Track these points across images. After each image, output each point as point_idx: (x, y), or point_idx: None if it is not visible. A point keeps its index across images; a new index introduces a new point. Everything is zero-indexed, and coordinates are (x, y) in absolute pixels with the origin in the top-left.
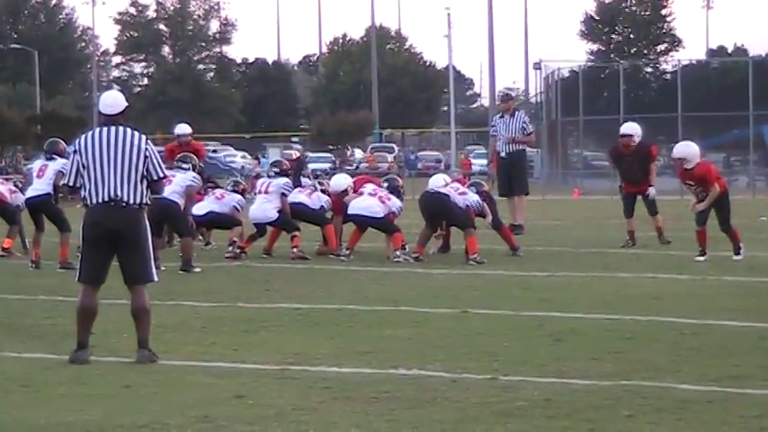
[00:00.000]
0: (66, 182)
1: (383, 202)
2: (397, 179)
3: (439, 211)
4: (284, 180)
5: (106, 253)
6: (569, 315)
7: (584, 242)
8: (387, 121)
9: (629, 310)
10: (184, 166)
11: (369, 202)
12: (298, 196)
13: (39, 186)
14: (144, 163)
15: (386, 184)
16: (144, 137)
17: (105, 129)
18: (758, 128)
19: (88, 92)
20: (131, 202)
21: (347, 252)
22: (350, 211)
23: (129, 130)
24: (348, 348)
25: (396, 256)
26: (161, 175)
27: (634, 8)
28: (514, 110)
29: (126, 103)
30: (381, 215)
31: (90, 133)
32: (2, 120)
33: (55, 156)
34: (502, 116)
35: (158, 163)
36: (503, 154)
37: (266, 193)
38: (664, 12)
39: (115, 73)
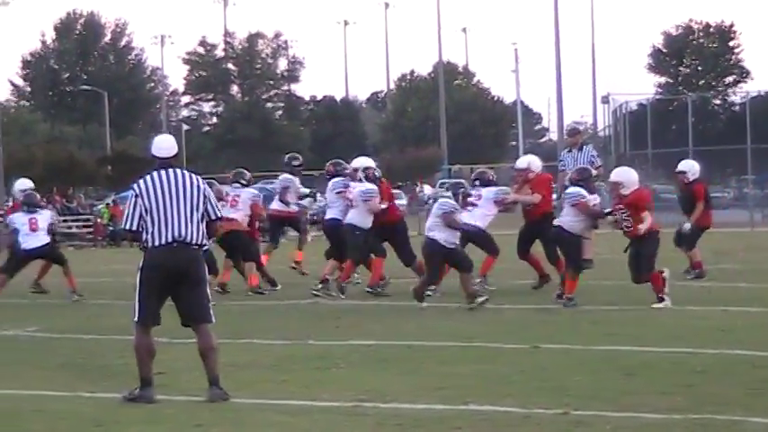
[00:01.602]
0: (126, 227)
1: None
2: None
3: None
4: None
5: (165, 294)
6: (639, 349)
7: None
8: (455, 156)
9: (699, 344)
10: (242, 181)
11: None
12: None
13: (41, 237)
14: (204, 203)
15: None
16: (200, 178)
17: (164, 171)
18: None
19: (158, 132)
20: (195, 242)
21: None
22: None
23: (186, 172)
24: (420, 384)
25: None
26: (219, 214)
27: (702, 40)
28: (582, 144)
29: (177, 147)
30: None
31: (149, 177)
32: (73, 161)
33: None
34: (570, 150)
35: (215, 203)
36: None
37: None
38: (731, 44)
39: (184, 112)
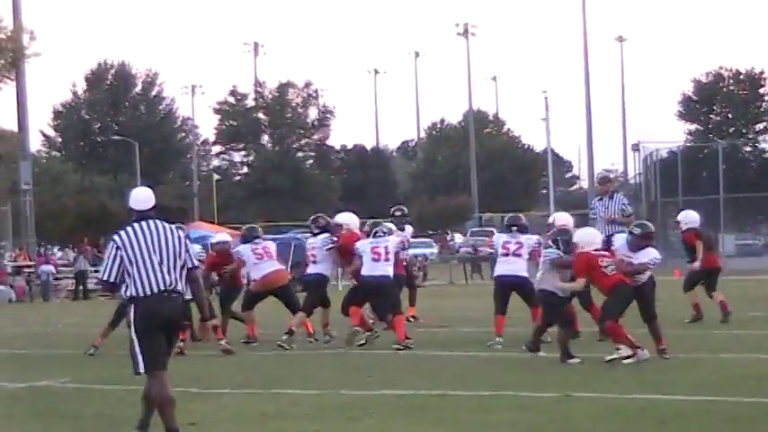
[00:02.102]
0: (105, 277)
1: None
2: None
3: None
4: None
5: (163, 339)
6: (673, 397)
7: (684, 324)
8: (485, 204)
9: (732, 392)
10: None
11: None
12: None
13: None
14: (185, 252)
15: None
16: (177, 227)
17: (144, 223)
18: None
19: (189, 181)
20: (181, 290)
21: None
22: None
23: (164, 223)
24: None
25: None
26: (195, 263)
27: (732, 88)
28: (613, 192)
29: (154, 199)
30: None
31: (130, 228)
32: (104, 211)
33: None
34: (601, 198)
35: (192, 252)
36: (603, 236)
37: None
38: (762, 90)
39: (215, 162)
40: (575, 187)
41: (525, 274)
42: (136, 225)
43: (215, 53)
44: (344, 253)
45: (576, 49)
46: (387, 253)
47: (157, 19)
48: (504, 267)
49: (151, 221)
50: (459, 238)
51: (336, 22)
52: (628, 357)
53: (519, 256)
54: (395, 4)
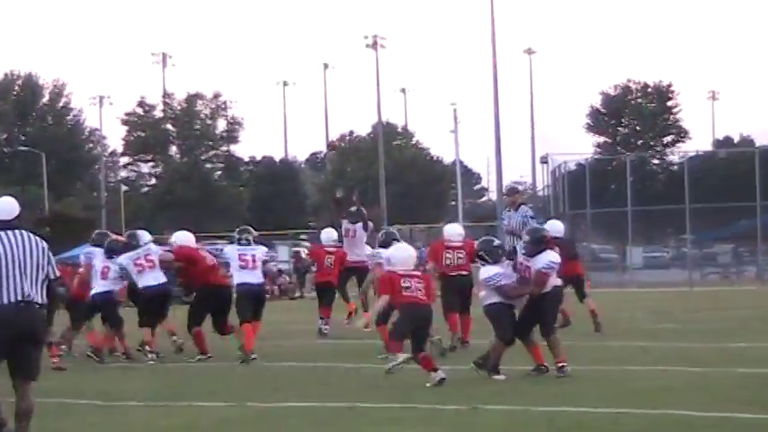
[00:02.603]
0: None
1: None
2: None
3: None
4: None
5: (9, 351)
6: (579, 409)
7: (593, 335)
8: (395, 216)
9: (638, 403)
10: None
11: None
12: None
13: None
14: (47, 263)
15: None
16: (40, 238)
17: (8, 233)
18: (766, 218)
19: (96, 192)
20: (40, 301)
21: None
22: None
23: (28, 233)
24: None
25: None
26: (57, 274)
27: (640, 100)
28: (520, 203)
29: (19, 209)
30: None
31: None
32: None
33: None
34: (509, 210)
35: (54, 264)
36: (506, 247)
37: None
38: (669, 103)
39: (123, 173)
40: (483, 199)
41: None
42: (1, 233)
43: (123, 64)
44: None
45: (485, 62)
46: (254, 261)
47: (65, 29)
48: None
49: (14, 231)
50: (368, 249)
51: (245, 33)
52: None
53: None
54: (304, 16)
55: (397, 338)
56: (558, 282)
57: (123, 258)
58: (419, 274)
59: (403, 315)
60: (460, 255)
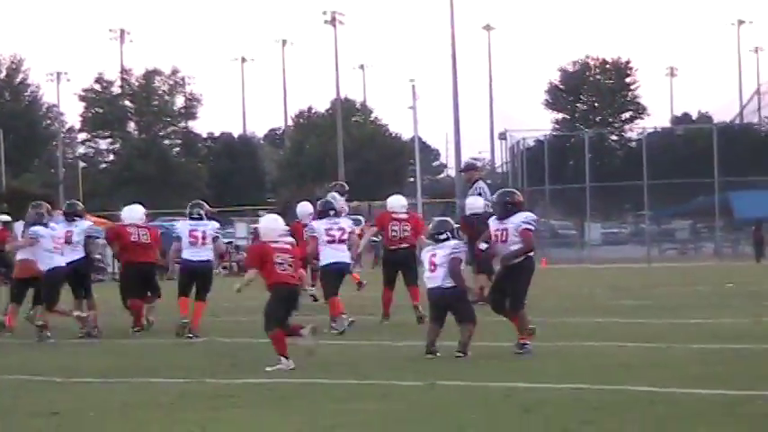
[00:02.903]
0: None
1: None
2: None
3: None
4: None
5: None
6: (538, 385)
7: (552, 311)
8: (353, 192)
9: (597, 380)
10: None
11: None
12: None
13: None
14: None
15: None
16: None
17: None
18: (723, 194)
19: (54, 169)
20: None
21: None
22: None
23: None
24: (315, 423)
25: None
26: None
27: (598, 77)
28: (477, 179)
29: None
30: None
31: None
32: None
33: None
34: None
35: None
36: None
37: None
38: (628, 80)
39: (81, 149)
40: (442, 175)
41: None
42: None
43: (81, 40)
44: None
45: (444, 38)
46: (204, 237)
47: (22, 5)
48: (335, 254)
49: None
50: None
51: (203, 9)
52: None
53: (344, 242)
54: None
55: (274, 325)
56: (530, 252)
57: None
58: (289, 247)
59: (275, 296)
60: (406, 228)
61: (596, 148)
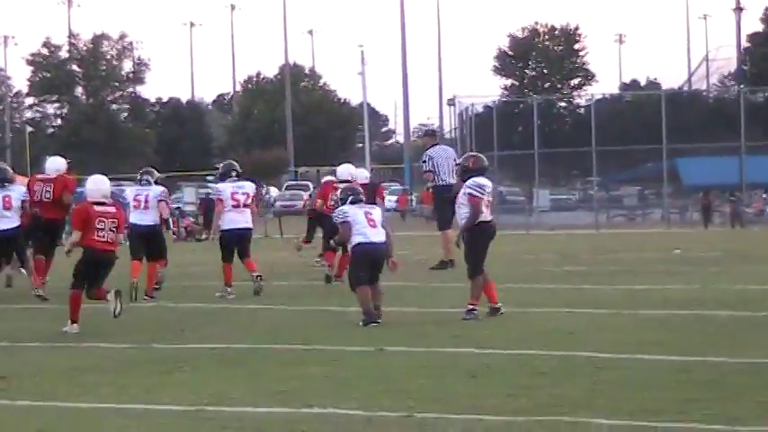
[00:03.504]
0: None
1: None
2: None
3: None
4: None
5: None
6: (484, 351)
7: (499, 277)
8: (302, 158)
9: (543, 345)
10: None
11: None
12: None
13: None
14: None
15: None
16: None
17: None
18: (671, 161)
19: (1, 133)
20: None
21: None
22: None
23: None
24: (263, 388)
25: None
26: None
27: (547, 43)
28: (432, 145)
29: None
30: None
31: None
32: None
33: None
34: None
35: None
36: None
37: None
38: (576, 46)
39: (28, 114)
40: (391, 141)
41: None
42: None
43: (28, 4)
44: None
45: (393, 4)
46: (146, 201)
47: None
48: (236, 219)
49: None
50: (274, 191)
51: None
52: None
53: (248, 206)
54: None
55: (77, 286)
56: (488, 217)
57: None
58: (113, 211)
59: (84, 259)
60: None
61: (545, 115)
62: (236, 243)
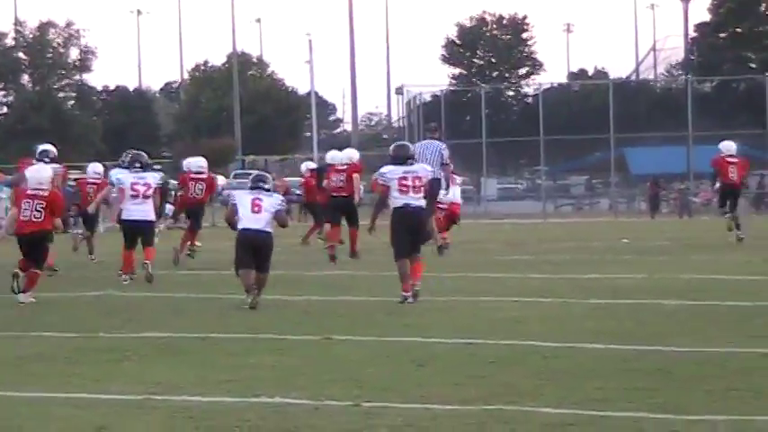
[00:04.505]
0: None
1: None
2: None
3: None
4: None
5: None
6: (433, 340)
7: (448, 266)
8: (249, 147)
9: (491, 334)
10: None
11: None
12: None
13: None
14: None
15: None
16: None
17: None
18: (619, 150)
19: None
20: None
21: None
22: None
23: None
24: (211, 377)
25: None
26: None
27: (495, 32)
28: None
29: None
30: None
31: None
32: None
33: None
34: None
35: None
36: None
37: None
38: (525, 36)
39: None
40: (339, 130)
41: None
42: None
43: None
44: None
45: None
46: (147, 189)
47: None
48: (133, 209)
49: None
50: (222, 180)
51: None
52: None
53: (148, 197)
54: None
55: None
56: (414, 202)
57: None
58: (43, 194)
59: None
60: (342, 178)
61: (493, 104)
62: (134, 233)
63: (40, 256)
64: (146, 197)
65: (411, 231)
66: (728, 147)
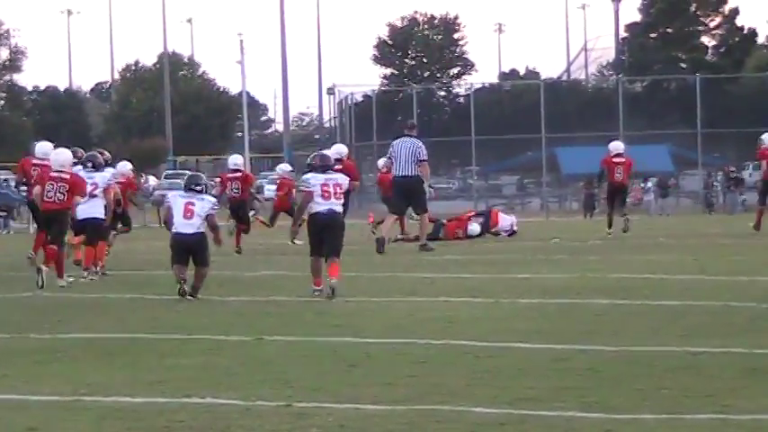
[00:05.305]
0: None
1: None
2: None
3: None
4: None
5: None
6: (363, 340)
7: (378, 266)
8: (181, 147)
9: (423, 334)
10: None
11: None
12: None
13: None
14: None
15: None
16: None
17: None
18: (550, 150)
19: None
20: None
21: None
22: None
23: None
24: (141, 378)
25: None
26: None
27: (426, 32)
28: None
29: None
30: None
31: None
32: None
33: None
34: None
35: None
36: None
37: None
38: (456, 36)
39: None
40: (270, 130)
41: (101, 214)
42: None
43: None
44: None
45: None
46: (94, 188)
47: None
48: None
49: None
50: (153, 180)
51: None
52: None
53: (95, 197)
54: None
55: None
56: (334, 207)
57: None
58: (66, 177)
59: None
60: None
61: (424, 104)
62: (78, 230)
63: (60, 231)
64: (92, 196)
65: (329, 234)
66: (616, 146)
